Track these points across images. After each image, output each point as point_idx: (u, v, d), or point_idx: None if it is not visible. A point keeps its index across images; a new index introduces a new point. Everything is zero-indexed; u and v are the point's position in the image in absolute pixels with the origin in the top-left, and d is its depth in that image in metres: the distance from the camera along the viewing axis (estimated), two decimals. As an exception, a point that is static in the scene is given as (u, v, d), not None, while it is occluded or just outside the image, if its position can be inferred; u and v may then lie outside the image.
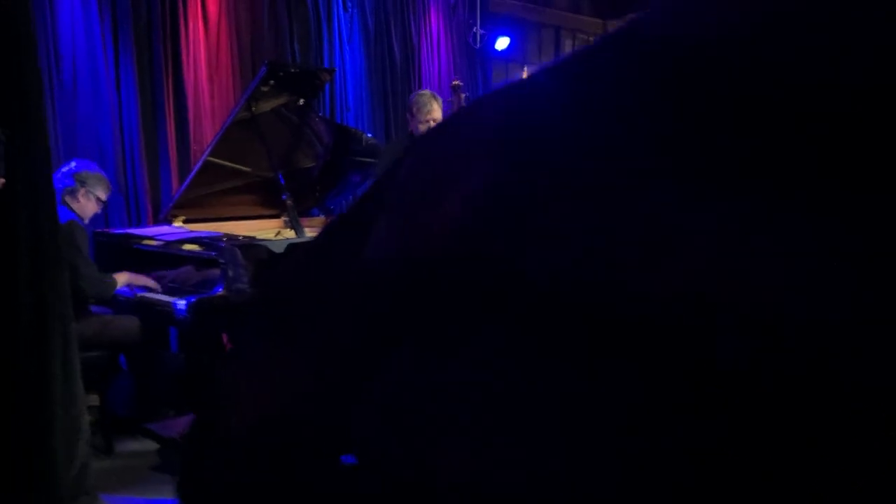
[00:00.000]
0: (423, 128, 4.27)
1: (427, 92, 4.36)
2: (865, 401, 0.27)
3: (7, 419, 2.77)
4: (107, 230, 4.68)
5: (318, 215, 5.25)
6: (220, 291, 3.80)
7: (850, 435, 0.27)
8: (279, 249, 4.09)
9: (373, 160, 4.77)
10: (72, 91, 4.67)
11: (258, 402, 0.44)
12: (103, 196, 4.13)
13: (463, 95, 4.82)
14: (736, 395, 0.28)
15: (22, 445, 2.79)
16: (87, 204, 4.05)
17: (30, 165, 2.76)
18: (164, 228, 4.57)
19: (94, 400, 3.79)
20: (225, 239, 4.10)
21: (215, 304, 3.78)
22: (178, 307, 3.79)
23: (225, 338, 4.53)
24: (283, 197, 4.40)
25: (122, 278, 4.09)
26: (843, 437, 0.27)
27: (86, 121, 4.82)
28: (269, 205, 5.14)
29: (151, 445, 3.94)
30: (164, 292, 4.11)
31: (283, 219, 5.16)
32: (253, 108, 4.28)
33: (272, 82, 4.23)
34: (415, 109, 4.28)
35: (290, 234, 4.70)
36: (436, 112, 4.24)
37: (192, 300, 3.75)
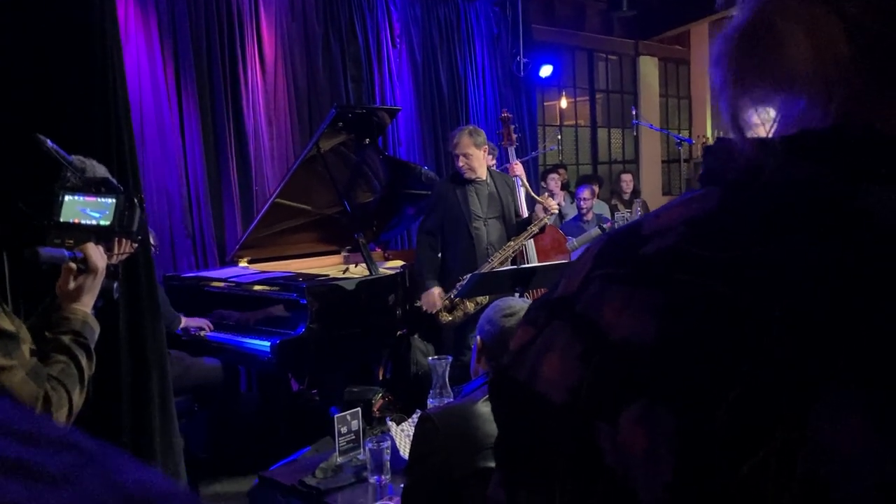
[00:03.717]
0: (458, 161, 4.35)
1: (465, 128, 4.44)
2: None
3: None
4: (177, 274, 4.76)
5: (374, 249, 5.32)
6: (302, 332, 3.86)
7: None
8: (350, 287, 4.15)
9: (427, 192, 4.83)
10: (139, 138, 4.77)
11: None
12: (154, 241, 4.19)
13: (512, 127, 4.87)
14: None
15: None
16: None
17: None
18: (234, 270, 4.65)
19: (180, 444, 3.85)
20: (301, 279, 4.17)
21: (297, 345, 3.84)
22: (262, 349, 3.85)
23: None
24: (356, 235, 4.46)
25: (182, 320, 4.19)
26: None
27: (153, 167, 4.93)
28: (329, 241, 5.22)
29: (236, 487, 3.98)
30: (231, 332, 4.19)
31: (343, 254, 5.24)
32: (319, 149, 4.36)
33: (340, 123, 4.32)
34: (451, 144, 4.43)
35: (358, 271, 4.76)
36: (463, 146, 4.33)
37: (277, 342, 3.80)
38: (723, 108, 0.50)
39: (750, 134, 0.48)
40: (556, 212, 4.58)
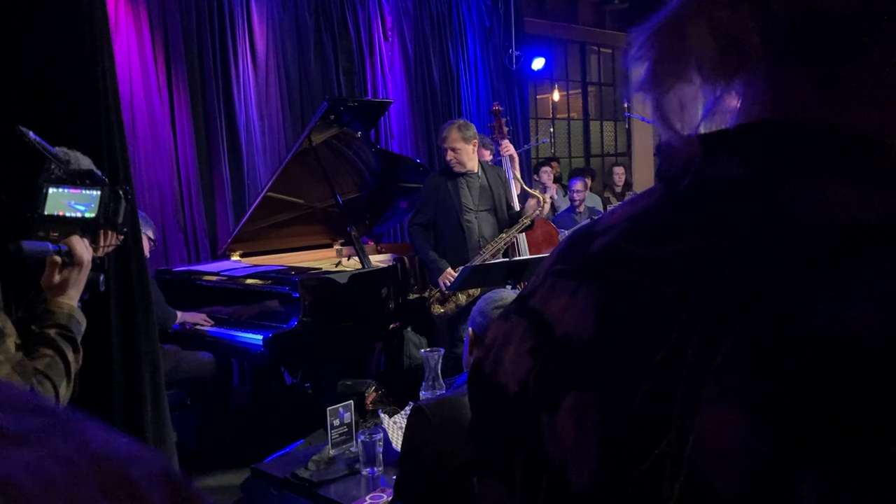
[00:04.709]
0: (447, 155, 4.35)
1: (454, 122, 4.44)
2: None
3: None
4: (169, 268, 4.75)
5: (366, 242, 5.31)
6: (294, 325, 3.85)
7: None
8: (342, 281, 4.14)
9: (420, 185, 4.83)
10: (130, 132, 4.75)
11: None
12: (152, 235, 4.19)
13: (504, 120, 4.86)
14: None
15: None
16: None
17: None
18: (226, 264, 4.64)
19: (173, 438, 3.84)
20: (294, 272, 4.16)
21: (289, 339, 3.84)
22: (255, 342, 3.84)
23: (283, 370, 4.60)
24: (348, 229, 4.45)
25: (178, 315, 4.17)
26: None
27: (144, 161, 4.90)
28: (321, 235, 5.21)
29: (229, 480, 3.97)
30: (223, 326, 4.18)
31: (335, 248, 5.23)
32: (311, 142, 4.35)
33: (332, 117, 4.30)
34: (441, 137, 4.44)
35: (350, 264, 4.75)
36: (451, 140, 4.33)
37: (269, 335, 3.79)
38: (648, 102, 0.50)
39: (683, 131, 0.49)
40: (549, 205, 4.57)
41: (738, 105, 0.46)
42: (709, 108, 0.47)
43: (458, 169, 4.36)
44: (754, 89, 0.45)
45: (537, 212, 4.38)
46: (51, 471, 0.26)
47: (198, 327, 4.21)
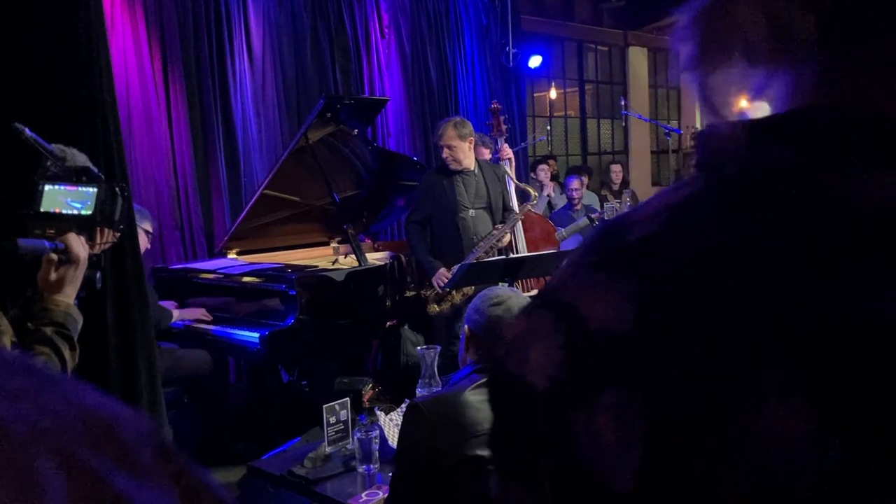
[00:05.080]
0: (444, 154, 4.35)
1: (451, 119, 4.44)
2: None
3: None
4: (165, 266, 4.74)
5: (363, 240, 5.31)
6: (291, 323, 3.85)
7: None
8: (339, 278, 4.15)
9: (416, 183, 4.83)
10: (127, 130, 4.74)
11: None
12: (150, 228, 4.16)
13: (502, 118, 4.87)
14: None
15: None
16: (140, 239, 4.11)
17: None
18: (223, 261, 4.64)
19: (169, 435, 3.84)
20: (290, 270, 4.16)
21: (286, 336, 3.84)
22: (251, 340, 3.84)
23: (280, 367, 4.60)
24: (345, 227, 4.45)
25: (174, 314, 4.16)
26: None
27: (141, 159, 4.90)
28: (318, 232, 5.21)
29: (225, 477, 3.97)
30: (219, 324, 4.18)
31: (332, 246, 5.23)
32: (307, 140, 4.35)
33: (328, 114, 4.30)
34: (438, 134, 4.43)
35: (346, 262, 4.76)
36: (446, 138, 4.34)
37: (266, 333, 3.79)
38: (693, 88, 0.49)
39: (728, 116, 0.48)
40: (537, 199, 4.56)
41: (787, 90, 0.46)
42: (756, 92, 0.47)
43: (453, 167, 4.36)
44: (805, 74, 0.44)
45: (529, 206, 4.39)
46: (40, 422, 0.27)
47: (197, 325, 4.21)
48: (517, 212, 4.38)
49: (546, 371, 0.45)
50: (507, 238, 4.32)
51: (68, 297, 1.68)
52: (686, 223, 0.44)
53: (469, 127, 4.40)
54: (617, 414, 0.41)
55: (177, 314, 4.20)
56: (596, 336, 0.43)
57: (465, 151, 4.35)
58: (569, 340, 0.45)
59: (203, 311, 4.26)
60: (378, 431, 2.55)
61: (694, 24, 0.48)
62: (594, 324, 0.44)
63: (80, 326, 1.70)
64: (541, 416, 0.45)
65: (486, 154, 5.06)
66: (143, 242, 4.15)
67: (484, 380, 2.01)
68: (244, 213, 4.59)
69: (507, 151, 4.68)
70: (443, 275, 4.23)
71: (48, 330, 1.62)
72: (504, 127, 4.77)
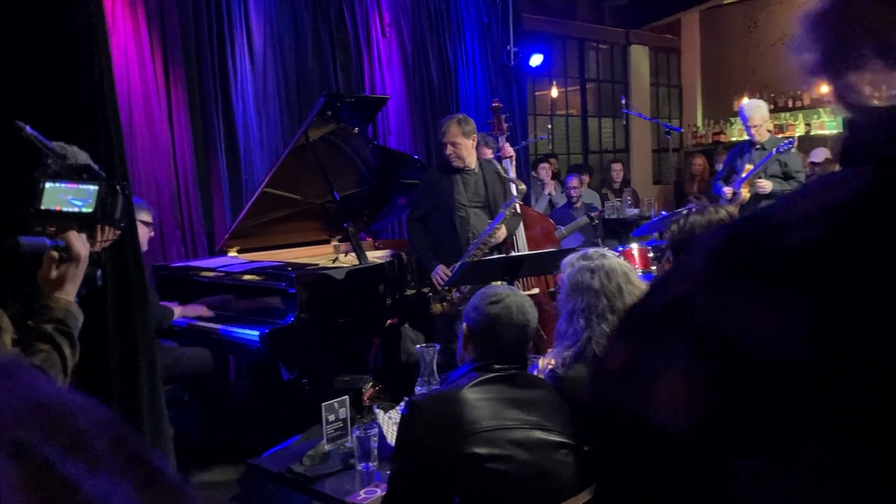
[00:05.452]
0: (446, 150, 4.35)
1: (454, 116, 4.44)
2: None
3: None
4: (167, 264, 4.75)
5: (364, 238, 5.31)
6: (291, 321, 3.86)
7: None
8: (339, 277, 4.15)
9: (417, 182, 4.83)
10: (128, 128, 4.75)
11: None
12: (148, 218, 4.13)
13: (503, 116, 4.87)
14: None
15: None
16: (140, 233, 4.10)
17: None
18: (223, 260, 4.64)
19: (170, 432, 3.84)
20: (291, 268, 4.17)
21: (286, 334, 3.85)
22: (251, 338, 3.85)
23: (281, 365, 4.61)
24: (345, 225, 4.45)
25: (176, 311, 4.17)
26: None
27: (142, 157, 4.90)
28: (319, 231, 5.22)
29: (226, 475, 3.99)
30: (220, 322, 4.18)
31: (333, 244, 5.23)
32: (307, 138, 4.35)
33: (328, 112, 4.31)
34: (440, 132, 4.42)
35: (347, 260, 4.76)
36: (451, 135, 4.34)
37: (266, 331, 3.80)
38: (828, 85, 0.45)
39: (870, 111, 0.43)
40: (524, 191, 4.54)
41: None
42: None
43: (456, 164, 4.37)
44: None
45: (517, 200, 4.36)
46: None
47: (198, 323, 4.21)
48: (506, 208, 4.36)
49: (686, 408, 0.37)
50: (502, 233, 4.29)
51: (69, 294, 1.69)
52: (862, 228, 0.37)
53: (472, 125, 4.41)
54: (794, 459, 0.33)
55: (178, 312, 4.20)
56: (756, 364, 0.35)
57: (468, 149, 4.35)
58: (717, 371, 0.36)
59: (204, 308, 4.26)
60: (377, 429, 2.56)
61: (815, 31, 0.45)
62: (750, 349, 0.36)
63: (80, 324, 1.71)
64: (683, 465, 0.37)
65: (489, 153, 5.06)
66: (144, 234, 4.13)
67: (482, 377, 2.02)
68: (245, 211, 4.59)
69: (509, 150, 4.69)
70: (442, 271, 4.24)
71: (49, 327, 1.63)
72: (505, 125, 4.77)
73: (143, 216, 4.09)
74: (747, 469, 0.34)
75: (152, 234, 4.25)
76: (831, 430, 0.33)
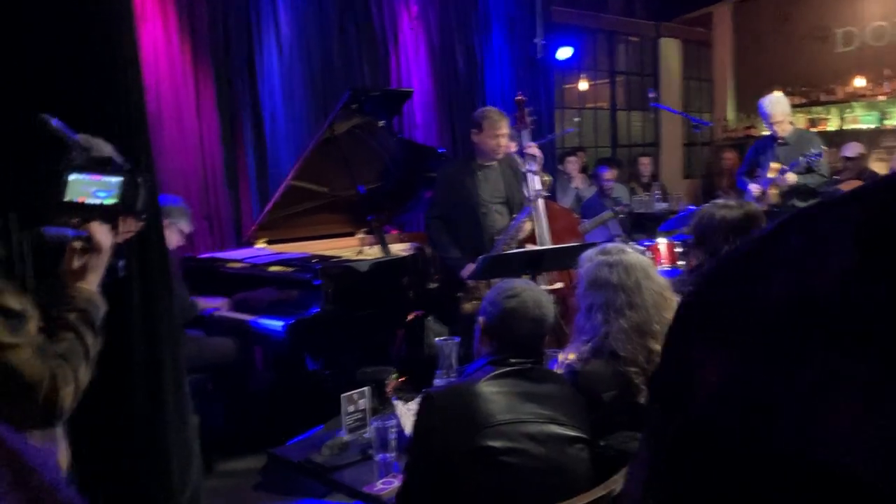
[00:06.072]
0: (492, 143, 4.32)
1: (496, 109, 4.43)
2: None
3: (124, 445, 2.87)
4: (193, 255, 4.81)
5: (390, 231, 5.34)
6: (316, 312, 3.89)
7: None
8: (364, 269, 4.18)
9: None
10: (157, 120, 4.82)
11: None
12: (186, 229, 4.21)
13: (527, 110, 4.84)
14: None
15: (139, 470, 2.88)
16: (170, 236, 4.16)
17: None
18: (250, 251, 4.70)
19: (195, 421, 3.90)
20: (315, 260, 4.20)
21: (310, 325, 3.88)
22: (275, 329, 3.89)
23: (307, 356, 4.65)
24: (370, 218, 4.48)
25: (199, 303, 4.22)
26: None
27: (170, 149, 4.97)
28: (345, 223, 5.25)
29: (249, 463, 4.04)
30: (245, 312, 4.23)
31: (359, 236, 5.26)
32: (333, 131, 4.38)
33: (353, 106, 4.33)
34: (486, 125, 4.35)
35: (371, 252, 4.79)
36: (504, 129, 4.32)
37: (291, 322, 3.84)
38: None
39: None
40: (550, 183, 4.55)
41: None
42: None
43: (500, 156, 4.37)
44: None
45: (544, 192, 4.39)
46: None
47: (224, 314, 4.26)
48: (531, 202, 4.37)
49: (883, 448, 0.28)
50: (528, 228, 4.30)
51: (91, 284, 1.73)
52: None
53: None
54: None
55: (203, 304, 4.23)
56: None
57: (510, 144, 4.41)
58: None
59: (223, 301, 4.31)
60: (395, 420, 2.58)
61: None
62: None
63: (102, 313, 1.75)
64: None
65: (514, 147, 5.05)
66: (175, 240, 4.18)
67: (498, 371, 2.02)
68: (271, 203, 4.64)
69: (535, 150, 4.61)
70: (470, 269, 4.25)
71: (72, 316, 1.66)
72: (529, 119, 4.72)
73: (183, 225, 4.14)
74: None
75: (182, 243, 4.31)
76: None
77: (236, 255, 4.57)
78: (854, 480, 0.28)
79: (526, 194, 4.45)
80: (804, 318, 0.32)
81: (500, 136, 4.33)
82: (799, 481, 0.29)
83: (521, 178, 4.48)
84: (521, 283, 2.20)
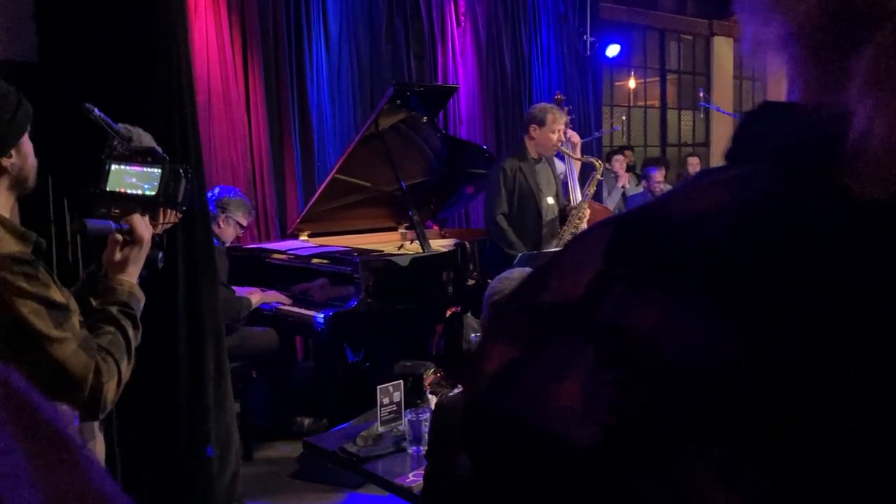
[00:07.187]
0: (553, 138, 4.37)
1: (552, 105, 4.55)
2: None
3: (167, 431, 2.94)
4: (239, 245, 4.89)
5: (430, 227, 5.37)
6: (354, 305, 3.94)
7: None
8: (403, 263, 4.21)
9: (484, 172, 4.87)
10: (207, 113, 4.90)
11: None
12: (244, 221, 4.30)
13: (566, 108, 4.87)
14: None
15: (180, 455, 2.95)
16: (227, 229, 4.25)
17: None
18: (294, 243, 4.76)
19: (236, 409, 3.97)
20: (356, 253, 4.25)
21: (349, 318, 3.93)
22: (317, 320, 3.95)
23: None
24: (409, 213, 4.51)
25: (254, 298, 4.26)
26: None
27: (220, 141, 5.06)
28: (387, 218, 5.29)
29: (288, 452, 4.10)
30: (294, 304, 4.29)
31: (400, 231, 5.30)
32: (377, 126, 4.42)
33: (398, 101, 4.36)
34: (549, 119, 4.41)
35: (412, 248, 4.82)
36: (562, 124, 4.46)
37: (330, 314, 3.89)
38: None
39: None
40: (602, 167, 4.78)
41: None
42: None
43: (560, 150, 4.55)
44: (798, 58, 0.42)
45: (597, 176, 4.63)
46: None
47: (282, 307, 4.29)
48: (580, 196, 4.53)
49: (593, 418, 0.33)
50: (587, 213, 4.51)
51: (132, 276, 1.74)
52: (775, 225, 0.35)
53: None
54: (731, 484, 0.31)
55: (257, 299, 4.26)
56: (672, 371, 0.33)
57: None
58: (631, 379, 0.33)
59: (283, 295, 4.36)
60: (429, 414, 2.60)
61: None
62: (664, 355, 0.33)
63: (142, 305, 1.76)
64: (584, 481, 0.34)
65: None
66: (231, 233, 4.27)
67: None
68: (316, 196, 4.70)
69: (575, 136, 4.85)
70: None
71: (113, 309, 1.66)
72: (568, 118, 4.83)
73: (240, 218, 4.21)
74: (653, 480, 0.32)
75: (240, 234, 4.39)
76: (763, 450, 0.31)
77: (280, 247, 4.65)
78: (570, 446, 0.34)
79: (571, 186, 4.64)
80: (556, 314, 0.38)
81: (559, 129, 4.47)
82: (532, 445, 0.36)
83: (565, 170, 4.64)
84: (518, 271, 2.19)
